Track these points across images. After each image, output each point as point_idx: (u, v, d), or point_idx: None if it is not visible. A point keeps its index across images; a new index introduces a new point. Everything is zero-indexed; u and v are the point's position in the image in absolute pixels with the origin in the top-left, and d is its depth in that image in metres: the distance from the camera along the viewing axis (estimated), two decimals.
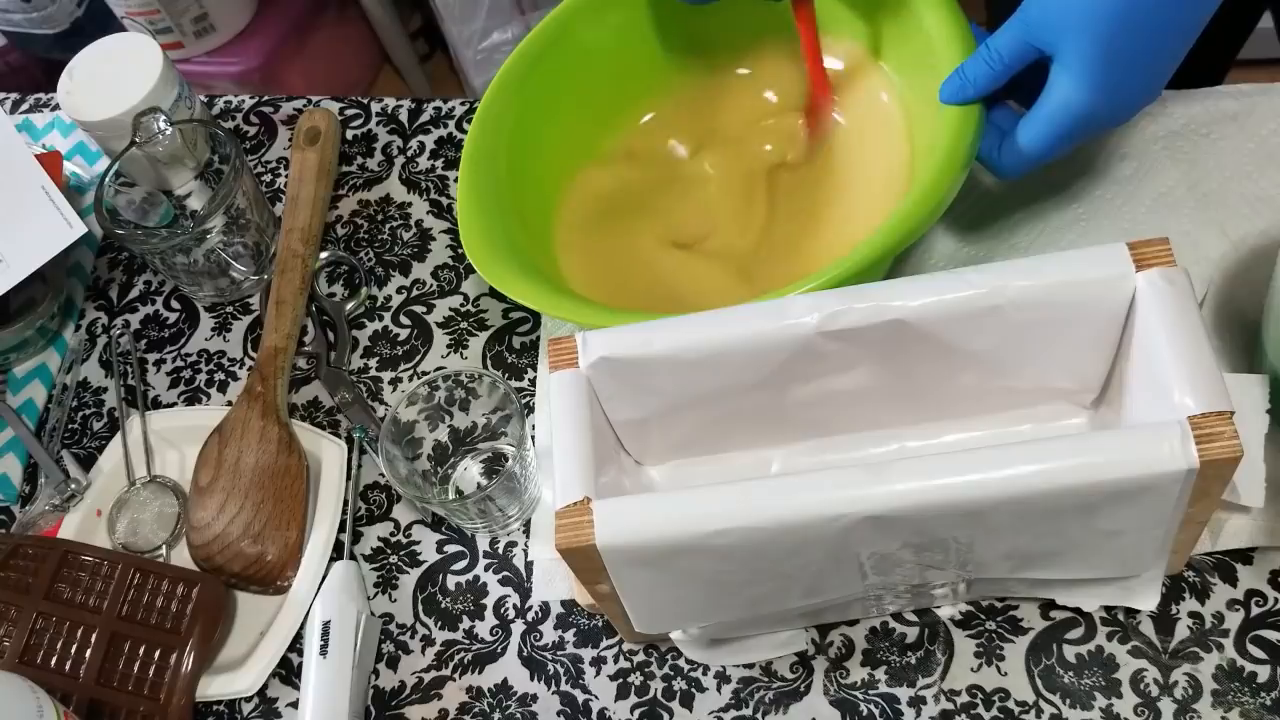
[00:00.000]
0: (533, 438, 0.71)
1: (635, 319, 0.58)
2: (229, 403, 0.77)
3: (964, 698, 0.60)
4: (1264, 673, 0.58)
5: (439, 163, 0.84)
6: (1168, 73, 0.56)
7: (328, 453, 0.72)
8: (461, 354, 0.76)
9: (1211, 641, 0.59)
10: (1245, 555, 0.60)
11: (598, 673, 0.64)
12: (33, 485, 0.76)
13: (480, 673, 0.65)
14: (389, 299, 0.79)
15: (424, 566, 0.69)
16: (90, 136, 0.87)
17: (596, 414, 0.56)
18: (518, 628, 0.66)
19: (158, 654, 0.66)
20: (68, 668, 0.65)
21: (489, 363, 0.75)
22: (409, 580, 0.69)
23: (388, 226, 0.82)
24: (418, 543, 0.70)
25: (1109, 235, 0.69)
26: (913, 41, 0.67)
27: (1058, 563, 0.53)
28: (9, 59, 1.48)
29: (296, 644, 0.67)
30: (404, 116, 0.87)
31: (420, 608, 0.68)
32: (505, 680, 0.65)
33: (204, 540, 0.70)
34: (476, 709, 0.64)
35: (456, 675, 0.65)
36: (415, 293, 0.79)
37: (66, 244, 0.77)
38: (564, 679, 0.64)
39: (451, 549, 0.69)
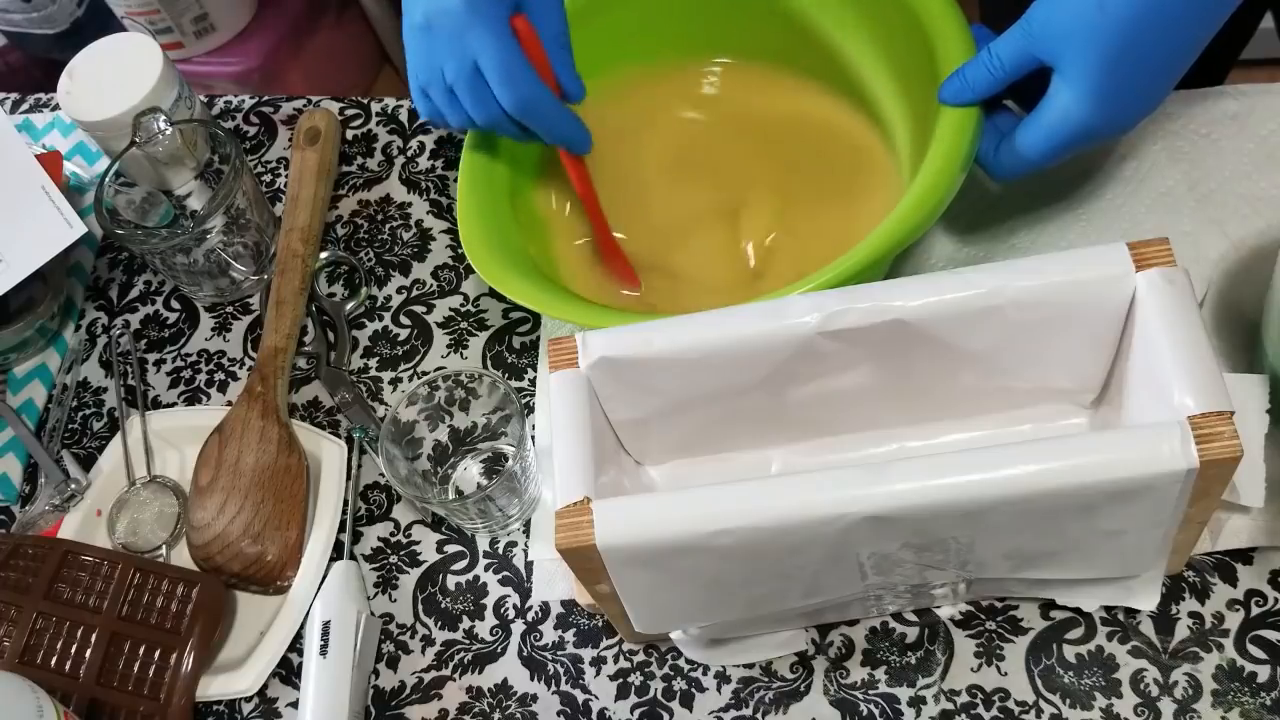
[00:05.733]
0: (533, 438, 0.71)
1: (635, 319, 0.58)
2: (229, 403, 0.77)
3: (964, 698, 0.60)
4: (1264, 673, 0.58)
5: (439, 163, 0.84)
6: (1169, 87, 0.56)
7: (328, 453, 0.72)
8: (461, 354, 0.76)
9: (1211, 641, 0.59)
10: (1245, 555, 0.60)
11: (598, 673, 0.64)
12: (33, 485, 0.76)
13: (480, 673, 0.65)
14: (389, 299, 0.79)
15: (424, 566, 0.69)
16: (90, 136, 0.87)
17: (596, 414, 0.56)
18: (518, 628, 0.66)
19: (158, 654, 0.66)
20: (68, 668, 0.65)
21: (489, 363, 0.75)
22: (409, 580, 0.69)
23: (388, 226, 0.82)
24: (418, 543, 0.70)
25: (1109, 235, 0.69)
26: (912, 40, 0.67)
27: (1058, 563, 0.53)
28: (9, 59, 1.48)
29: (296, 644, 0.67)
30: (404, 116, 0.87)
31: (420, 608, 0.68)
32: (505, 680, 0.65)
33: (204, 540, 0.70)
34: (476, 709, 0.64)
35: (456, 675, 0.66)
36: (415, 293, 0.79)
37: (66, 244, 0.77)
38: (564, 679, 0.64)
39: (451, 549, 0.69)
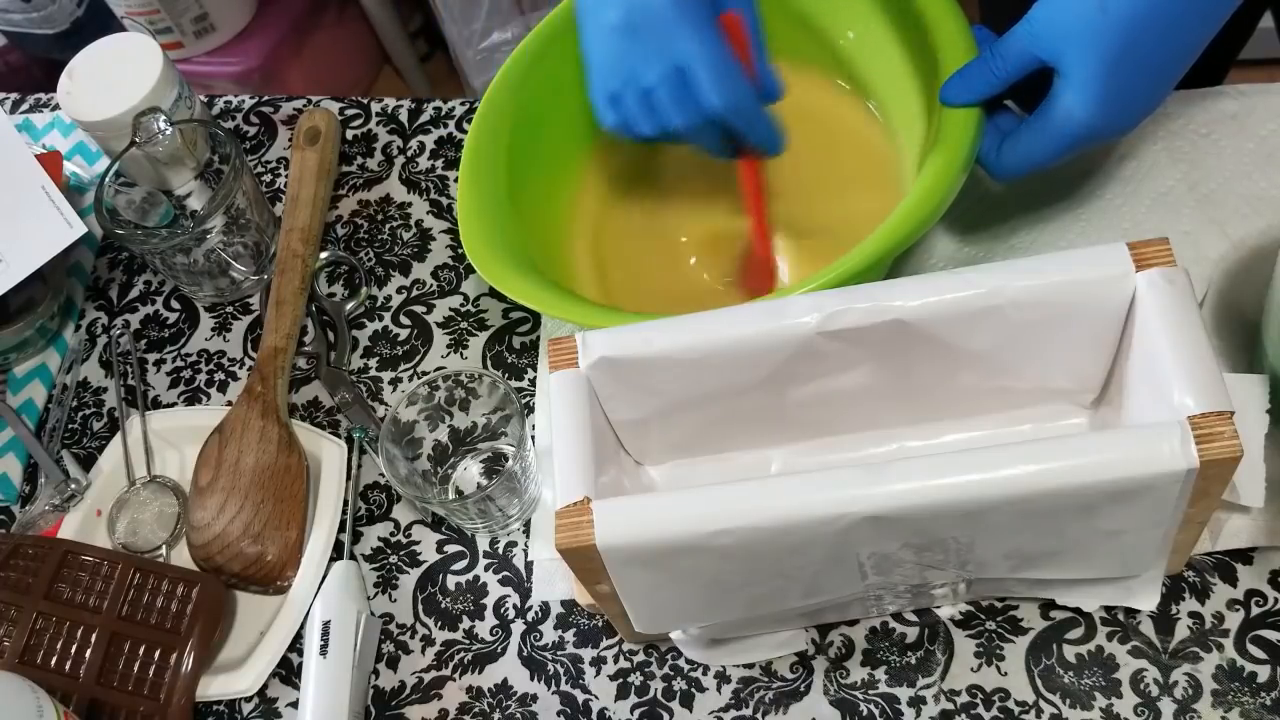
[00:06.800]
0: (533, 438, 0.71)
1: (635, 319, 0.58)
2: (229, 403, 0.77)
3: (964, 698, 0.60)
4: (1264, 673, 0.58)
5: (439, 163, 0.84)
6: (1170, 88, 0.56)
7: (328, 453, 0.72)
8: (461, 354, 0.76)
9: (1211, 641, 0.59)
10: (1245, 555, 0.60)
11: (598, 673, 0.64)
12: (33, 485, 0.76)
13: (480, 673, 0.65)
14: (389, 299, 0.79)
15: (424, 566, 0.69)
16: (90, 136, 0.87)
17: (596, 414, 0.56)
18: (518, 628, 0.66)
19: (158, 654, 0.66)
20: (68, 668, 0.65)
21: (489, 363, 0.75)
22: (409, 580, 0.69)
23: (388, 226, 0.82)
24: (418, 543, 0.70)
25: (1109, 235, 0.69)
26: (913, 40, 0.67)
27: (1058, 563, 0.53)
28: (9, 59, 1.48)
29: (296, 644, 0.67)
30: (404, 116, 0.87)
31: (420, 608, 0.68)
32: (505, 680, 0.65)
33: (204, 540, 0.70)
34: (476, 709, 0.64)
35: (456, 675, 0.66)
36: (415, 293, 0.79)
37: (66, 244, 0.77)
38: (564, 679, 0.64)
39: (451, 549, 0.69)
